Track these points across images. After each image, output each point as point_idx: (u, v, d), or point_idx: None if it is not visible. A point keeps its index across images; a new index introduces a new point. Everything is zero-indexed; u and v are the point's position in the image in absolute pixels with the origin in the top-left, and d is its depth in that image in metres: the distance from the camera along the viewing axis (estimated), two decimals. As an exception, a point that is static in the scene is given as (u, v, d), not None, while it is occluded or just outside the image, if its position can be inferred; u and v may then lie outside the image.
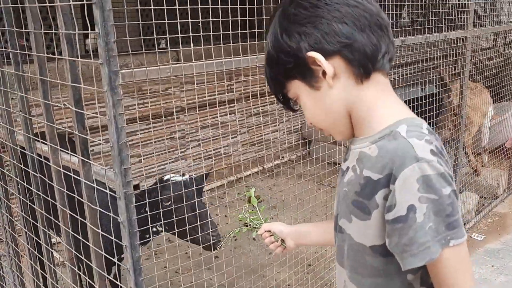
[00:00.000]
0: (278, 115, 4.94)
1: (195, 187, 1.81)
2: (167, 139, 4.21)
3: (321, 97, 1.00)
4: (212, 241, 1.76)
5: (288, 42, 0.96)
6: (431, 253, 0.89)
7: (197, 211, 1.66)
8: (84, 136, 1.44)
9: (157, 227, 1.97)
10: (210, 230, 1.71)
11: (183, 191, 1.74)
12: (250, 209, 1.58)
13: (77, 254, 1.63)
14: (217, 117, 4.24)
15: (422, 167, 0.89)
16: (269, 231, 1.46)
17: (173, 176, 2.00)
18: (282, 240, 1.44)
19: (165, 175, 2.03)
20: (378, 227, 0.98)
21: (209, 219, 1.72)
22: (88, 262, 1.56)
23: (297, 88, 1.02)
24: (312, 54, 0.94)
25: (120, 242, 1.38)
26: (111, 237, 1.41)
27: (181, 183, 1.86)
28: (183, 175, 2.06)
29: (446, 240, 0.89)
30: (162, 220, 1.50)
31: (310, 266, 3.09)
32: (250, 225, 1.55)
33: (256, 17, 1.98)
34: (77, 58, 1.32)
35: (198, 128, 4.44)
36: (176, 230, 1.59)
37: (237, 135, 4.85)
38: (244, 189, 1.89)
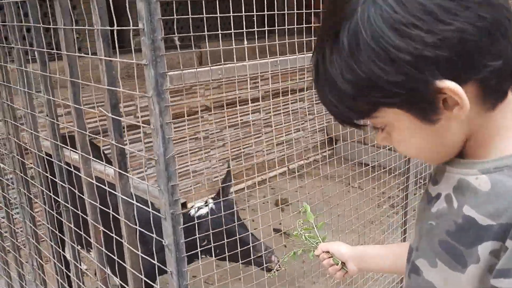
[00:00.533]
0: (303, 113, 4.76)
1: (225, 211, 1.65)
2: (189, 139, 4.05)
3: (435, 131, 0.72)
4: (266, 264, 1.60)
5: (404, 68, 0.63)
6: None
7: (249, 239, 1.49)
8: (121, 146, 1.27)
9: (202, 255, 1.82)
10: (263, 253, 1.54)
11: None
12: (306, 226, 1.42)
13: (112, 274, 1.47)
14: (242, 115, 4.06)
15: None
16: (327, 251, 1.29)
17: (199, 208, 1.86)
18: (343, 263, 1.25)
19: (190, 209, 1.88)
20: (472, 287, 0.73)
21: (262, 242, 1.56)
22: (125, 286, 1.40)
23: (393, 118, 0.73)
24: (446, 85, 0.64)
25: (163, 267, 1.22)
26: (153, 261, 1.24)
27: (208, 214, 1.72)
28: (206, 203, 1.90)
29: None
30: (212, 252, 1.34)
31: (350, 277, 2.91)
32: (306, 243, 1.39)
33: (286, 11, 1.80)
34: (116, 58, 1.15)
35: (223, 128, 4.27)
36: (227, 259, 1.43)
37: (262, 134, 4.68)
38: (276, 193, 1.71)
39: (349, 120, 0.76)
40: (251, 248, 1.47)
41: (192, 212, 2.01)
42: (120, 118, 1.25)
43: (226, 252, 1.51)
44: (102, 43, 1.18)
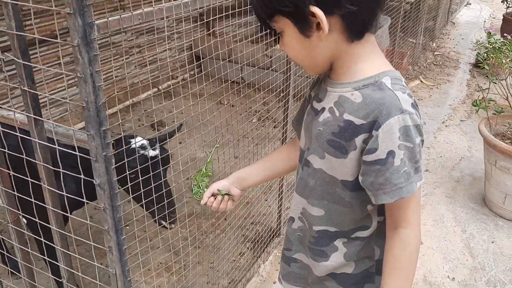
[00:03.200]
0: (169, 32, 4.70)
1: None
2: (53, 64, 3.76)
3: (309, 44, 1.03)
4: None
5: None
6: (403, 192, 1.03)
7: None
8: (35, 91, 1.25)
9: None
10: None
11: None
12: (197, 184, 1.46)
13: (30, 217, 1.49)
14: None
15: (405, 118, 0.99)
16: (212, 195, 1.37)
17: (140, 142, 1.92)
18: (228, 194, 1.37)
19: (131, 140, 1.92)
20: (352, 166, 1.09)
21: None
22: (44, 223, 1.44)
23: (285, 26, 1.03)
24: (316, 10, 0.95)
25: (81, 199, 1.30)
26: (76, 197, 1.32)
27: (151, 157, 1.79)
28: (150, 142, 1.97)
29: (415, 183, 1.04)
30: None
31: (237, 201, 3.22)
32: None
33: None
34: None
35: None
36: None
37: (129, 56, 4.52)
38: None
39: (261, 19, 1.05)
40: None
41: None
42: (31, 64, 1.21)
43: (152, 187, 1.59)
44: (7, -16, 1.11)
